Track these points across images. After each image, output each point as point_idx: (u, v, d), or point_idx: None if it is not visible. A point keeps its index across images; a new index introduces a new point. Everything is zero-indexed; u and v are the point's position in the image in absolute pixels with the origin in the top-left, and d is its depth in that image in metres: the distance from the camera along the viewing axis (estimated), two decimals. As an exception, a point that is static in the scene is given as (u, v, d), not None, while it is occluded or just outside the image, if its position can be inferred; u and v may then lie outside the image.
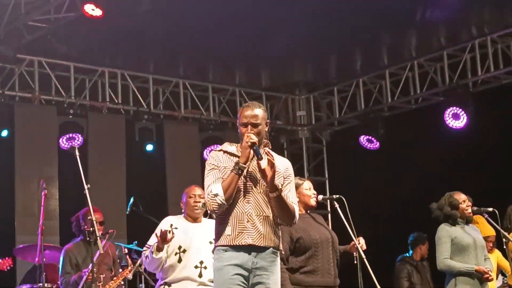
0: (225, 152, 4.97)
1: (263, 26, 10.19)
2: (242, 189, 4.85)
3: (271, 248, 4.86)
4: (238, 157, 4.88)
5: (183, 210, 6.39)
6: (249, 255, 4.80)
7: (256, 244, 4.80)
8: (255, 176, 4.87)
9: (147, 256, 6.17)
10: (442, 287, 7.02)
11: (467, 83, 11.38)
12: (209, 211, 4.91)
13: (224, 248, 4.82)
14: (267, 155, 4.85)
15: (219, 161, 4.92)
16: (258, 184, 4.88)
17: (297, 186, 6.06)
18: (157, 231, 6.20)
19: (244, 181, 4.85)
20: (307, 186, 6.12)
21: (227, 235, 4.82)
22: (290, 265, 5.85)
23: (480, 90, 11.34)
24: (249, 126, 4.87)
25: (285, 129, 13.38)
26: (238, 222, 4.81)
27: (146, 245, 6.28)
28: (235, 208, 4.83)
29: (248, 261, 4.79)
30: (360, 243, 6.01)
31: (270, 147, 4.99)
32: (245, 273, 4.79)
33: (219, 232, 4.88)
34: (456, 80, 11.33)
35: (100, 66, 11.45)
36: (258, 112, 4.92)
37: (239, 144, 4.98)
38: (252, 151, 4.79)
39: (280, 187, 4.83)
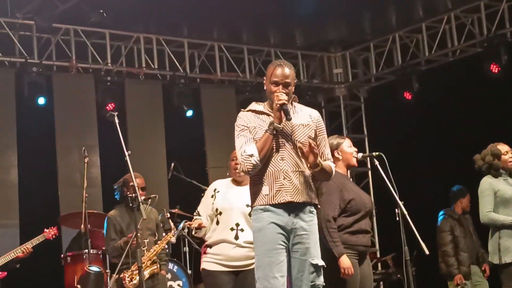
0: (253, 111, 4.97)
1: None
2: (274, 147, 4.85)
3: (308, 206, 4.87)
4: (267, 115, 4.89)
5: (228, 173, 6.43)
6: (288, 215, 4.81)
7: (295, 201, 4.81)
8: (287, 133, 4.87)
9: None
10: (486, 240, 6.99)
11: (505, 33, 11.21)
12: (243, 172, 4.89)
13: (262, 207, 4.83)
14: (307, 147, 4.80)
15: (249, 121, 4.92)
16: (290, 140, 4.88)
17: (338, 145, 6.04)
18: (204, 196, 6.35)
19: (276, 138, 4.85)
20: (348, 144, 6.09)
21: (265, 194, 4.83)
22: (338, 223, 5.82)
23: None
24: (280, 86, 4.86)
25: (322, 88, 13.33)
26: (274, 180, 4.82)
27: (196, 212, 6.36)
28: (270, 166, 4.84)
29: (289, 221, 4.81)
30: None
31: (297, 101, 5.02)
32: (285, 233, 4.81)
33: (255, 193, 4.89)
34: (494, 31, 11.17)
35: (134, 32, 11.46)
36: (289, 72, 4.93)
37: (266, 102, 4.99)
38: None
39: (316, 151, 4.79)
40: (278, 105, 4.79)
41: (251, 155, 4.76)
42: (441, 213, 9.55)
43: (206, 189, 6.62)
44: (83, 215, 8.05)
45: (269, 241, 4.79)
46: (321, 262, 4.88)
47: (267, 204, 4.82)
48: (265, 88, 4.99)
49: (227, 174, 6.40)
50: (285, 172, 4.83)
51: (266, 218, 4.80)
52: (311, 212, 4.90)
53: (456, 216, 9.22)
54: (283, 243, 4.80)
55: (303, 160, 4.88)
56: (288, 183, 4.82)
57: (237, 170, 6.05)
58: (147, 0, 10.19)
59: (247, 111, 5.00)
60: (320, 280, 4.88)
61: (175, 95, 11.66)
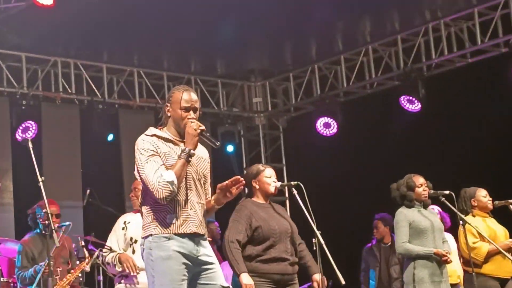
0: (158, 137, 4.78)
1: (216, 13, 10.12)
2: (184, 177, 4.72)
3: (205, 235, 4.82)
4: (172, 142, 4.76)
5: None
6: (193, 244, 4.71)
7: (199, 232, 4.74)
8: (193, 162, 4.77)
9: (108, 263, 6.31)
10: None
11: (421, 67, 11.45)
12: (159, 199, 4.61)
13: (167, 236, 4.66)
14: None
15: (157, 146, 4.72)
16: (195, 171, 4.79)
17: (258, 173, 6.06)
18: (113, 230, 6.40)
19: None
20: (268, 173, 6.10)
21: (170, 223, 4.66)
22: (247, 252, 5.84)
23: (434, 73, 11.42)
24: (191, 111, 4.77)
25: (242, 116, 13.35)
26: (181, 210, 4.68)
27: (106, 246, 6.34)
28: (178, 195, 4.69)
29: (193, 249, 4.70)
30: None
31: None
32: (189, 263, 4.69)
33: (156, 220, 4.68)
34: (410, 64, 11.40)
35: (52, 56, 11.27)
36: (196, 97, 4.85)
37: (166, 128, 4.82)
38: (198, 138, 4.71)
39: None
40: (197, 131, 4.69)
41: (171, 182, 4.58)
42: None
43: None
44: (-6, 242, 7.83)
45: (175, 271, 4.63)
46: (228, 284, 4.84)
47: (172, 233, 4.67)
48: (168, 114, 4.82)
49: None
50: (192, 202, 4.73)
51: (171, 247, 4.65)
52: (207, 241, 4.85)
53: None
54: (186, 274, 4.68)
55: (203, 194, 4.83)
56: (193, 214, 4.72)
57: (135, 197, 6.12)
58: (66, 23, 10.02)
59: (152, 135, 4.79)
60: None
61: (95, 120, 11.48)
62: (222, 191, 4.81)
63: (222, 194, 4.82)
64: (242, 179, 4.81)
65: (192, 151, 4.69)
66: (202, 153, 4.91)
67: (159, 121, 4.96)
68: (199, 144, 4.86)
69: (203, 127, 4.74)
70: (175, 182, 4.60)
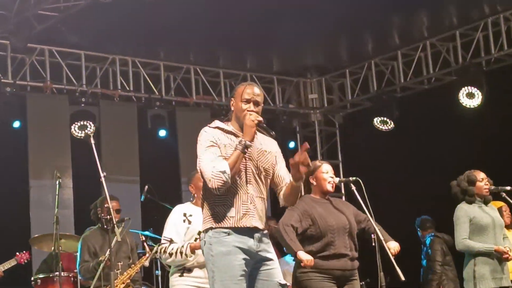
0: (220, 129, 4.81)
1: (272, 9, 10.12)
2: (242, 169, 4.71)
3: (266, 232, 4.80)
4: (235, 135, 4.76)
5: (192, 196, 6.32)
6: (252, 239, 4.70)
7: (258, 227, 4.72)
8: (253, 156, 4.75)
9: (171, 254, 6.07)
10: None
11: (480, 62, 11.29)
12: (212, 189, 4.61)
13: (226, 231, 4.66)
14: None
15: (217, 138, 4.73)
16: (255, 165, 4.77)
17: (315, 169, 6.04)
18: (170, 221, 6.18)
19: (243, 160, 4.71)
20: (325, 169, 6.07)
21: (230, 216, 4.66)
22: (306, 249, 5.82)
23: (493, 68, 11.25)
24: (251, 104, 4.77)
25: (298, 113, 13.33)
26: (242, 203, 4.68)
27: (164, 238, 6.17)
28: (236, 188, 4.69)
29: (252, 245, 4.69)
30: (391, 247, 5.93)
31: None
32: (249, 258, 4.68)
33: (216, 214, 4.68)
34: (469, 59, 11.25)
35: (110, 54, 11.40)
36: (259, 91, 4.84)
37: (230, 122, 4.85)
38: (255, 129, 4.69)
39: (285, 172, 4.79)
40: (254, 121, 4.69)
41: (223, 172, 4.56)
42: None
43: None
44: (54, 236, 7.93)
45: (236, 267, 4.64)
46: (286, 282, 4.83)
47: (231, 227, 4.67)
48: (232, 108, 4.85)
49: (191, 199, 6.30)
50: (252, 196, 4.72)
51: (231, 242, 4.65)
52: (267, 236, 4.82)
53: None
54: (246, 269, 4.67)
55: (265, 187, 4.80)
56: (253, 208, 4.70)
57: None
58: (123, 22, 10.13)
59: (214, 127, 4.83)
60: None
61: (150, 118, 11.59)
62: (293, 167, 4.70)
63: (295, 170, 4.70)
64: (307, 145, 4.70)
65: (248, 143, 4.66)
66: (266, 147, 4.87)
67: (215, 117, 4.98)
68: (266, 138, 4.87)
69: (260, 118, 4.73)
70: (228, 172, 4.58)
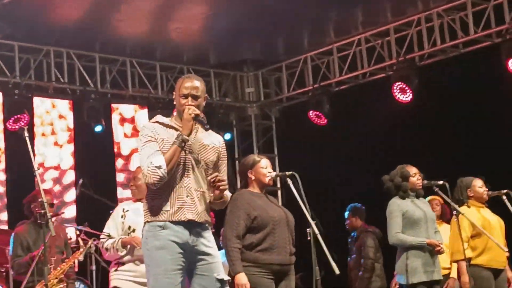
0: (160, 123, 4.80)
1: (207, 4, 10.12)
2: (180, 162, 4.71)
3: (206, 225, 4.80)
4: (175, 129, 4.76)
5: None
6: (189, 233, 4.69)
7: (196, 220, 4.70)
8: (194, 150, 4.76)
9: (107, 249, 6.27)
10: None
11: (413, 58, 11.46)
12: (148, 184, 4.64)
13: (161, 224, 4.66)
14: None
15: (156, 133, 4.73)
16: (196, 159, 4.77)
17: (254, 164, 6.06)
18: (111, 218, 6.36)
19: (183, 154, 4.71)
20: (264, 164, 6.09)
21: (165, 210, 4.66)
22: (247, 241, 5.84)
23: (426, 63, 11.43)
24: (190, 98, 4.77)
25: (234, 106, 13.35)
26: (177, 197, 4.68)
27: (104, 233, 6.34)
28: (173, 182, 4.68)
29: (189, 239, 4.69)
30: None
31: (206, 122, 4.84)
32: (185, 252, 4.67)
33: (152, 207, 4.69)
34: (403, 55, 11.40)
35: (45, 46, 11.23)
36: (198, 84, 4.83)
37: (173, 117, 4.86)
38: (193, 123, 4.71)
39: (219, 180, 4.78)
40: (191, 115, 4.69)
41: (159, 167, 4.57)
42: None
43: (114, 207, 6.60)
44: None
45: (169, 261, 4.63)
46: (226, 277, 4.82)
47: (167, 221, 4.66)
48: (174, 102, 4.86)
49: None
50: (189, 189, 4.71)
51: (165, 236, 4.64)
52: (208, 230, 4.83)
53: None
54: (182, 263, 4.67)
55: (205, 181, 4.79)
56: (190, 201, 4.70)
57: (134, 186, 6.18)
58: (60, 14, 10.01)
59: (154, 122, 4.83)
60: None
61: (86, 110, 11.45)
62: (210, 186, 4.79)
63: (212, 190, 4.80)
64: (221, 179, 4.76)
65: (185, 137, 4.67)
66: (208, 141, 4.87)
67: (152, 111, 4.99)
68: (210, 132, 4.88)
69: (197, 112, 4.73)
70: (164, 167, 4.58)
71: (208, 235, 4.81)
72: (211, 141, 4.90)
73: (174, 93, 4.89)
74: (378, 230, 9.33)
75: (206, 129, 4.79)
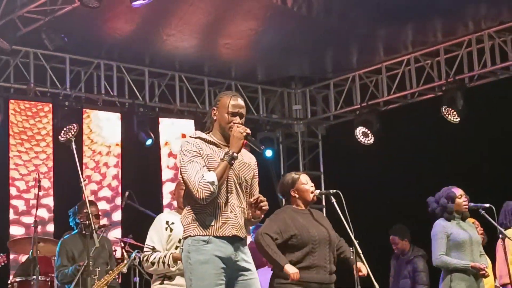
0: (202, 139, 4.85)
1: (257, 20, 10.16)
2: (225, 179, 4.77)
3: (246, 241, 4.86)
4: (217, 145, 4.81)
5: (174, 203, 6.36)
6: (231, 248, 4.73)
7: (239, 235, 4.76)
8: (235, 167, 4.80)
9: (154, 263, 6.06)
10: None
11: (463, 79, 11.37)
12: (199, 199, 4.66)
13: (205, 239, 4.70)
14: None
15: (201, 148, 4.78)
16: (237, 175, 4.82)
17: (294, 182, 6.05)
18: (153, 229, 6.19)
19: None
20: (304, 180, 6.08)
21: (210, 225, 4.70)
22: (287, 259, 5.83)
23: (476, 85, 11.32)
24: (238, 117, 4.83)
25: (281, 123, 13.34)
26: (221, 212, 4.72)
27: (146, 245, 6.17)
28: (218, 197, 4.72)
29: (231, 254, 4.73)
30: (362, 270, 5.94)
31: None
32: (227, 267, 4.71)
33: (196, 222, 4.72)
34: (453, 75, 11.32)
35: (95, 59, 11.38)
36: (243, 103, 4.91)
37: (211, 133, 4.89)
38: (243, 142, 4.75)
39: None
40: (243, 134, 4.74)
41: (212, 183, 4.63)
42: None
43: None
44: (33, 240, 7.90)
45: (213, 276, 4.67)
46: None
47: (211, 235, 4.71)
48: (214, 118, 4.88)
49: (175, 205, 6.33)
50: (232, 206, 4.76)
51: (210, 251, 4.69)
52: (247, 246, 4.87)
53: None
54: (224, 278, 4.70)
55: (245, 198, 4.85)
56: (233, 217, 4.75)
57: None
58: (111, 27, 10.14)
59: (196, 138, 4.86)
60: None
61: (134, 123, 11.54)
62: (251, 206, 4.83)
63: (253, 210, 4.83)
64: (263, 200, 4.80)
65: (235, 154, 4.73)
66: (247, 159, 4.95)
67: (198, 125, 5.03)
68: (245, 151, 4.93)
69: (248, 131, 4.80)
70: (216, 183, 4.65)
71: (247, 251, 4.86)
72: (249, 160, 4.97)
73: (214, 108, 4.91)
74: (425, 252, 9.24)
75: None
